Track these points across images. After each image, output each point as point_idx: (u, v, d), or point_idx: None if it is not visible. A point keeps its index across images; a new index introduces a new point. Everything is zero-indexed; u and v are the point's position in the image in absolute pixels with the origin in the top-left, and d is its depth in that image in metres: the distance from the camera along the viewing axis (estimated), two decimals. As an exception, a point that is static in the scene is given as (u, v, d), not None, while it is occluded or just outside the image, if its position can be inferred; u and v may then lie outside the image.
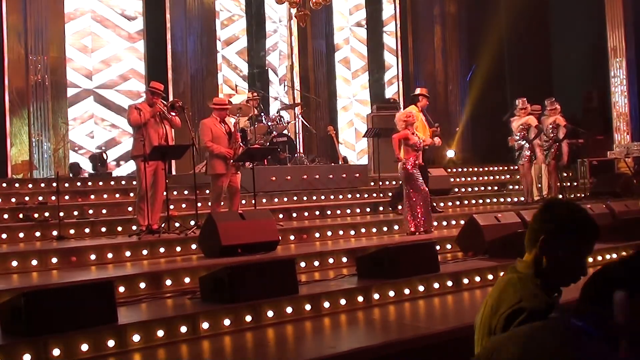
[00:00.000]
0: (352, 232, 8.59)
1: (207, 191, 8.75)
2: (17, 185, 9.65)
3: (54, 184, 8.62)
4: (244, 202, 9.59)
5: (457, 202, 11.13)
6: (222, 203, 8.38)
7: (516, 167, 13.07)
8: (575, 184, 13.35)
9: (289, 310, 5.45)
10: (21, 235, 7.66)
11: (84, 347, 4.45)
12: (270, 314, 5.34)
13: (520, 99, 11.37)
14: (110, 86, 12.58)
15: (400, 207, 9.25)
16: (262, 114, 11.82)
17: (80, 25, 12.35)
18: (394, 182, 11.20)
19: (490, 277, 6.72)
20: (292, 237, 8.12)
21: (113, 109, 12.51)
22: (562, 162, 11.68)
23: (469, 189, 12.17)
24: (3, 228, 7.68)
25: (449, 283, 6.44)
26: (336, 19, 15.56)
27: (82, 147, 12.19)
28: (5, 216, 8.21)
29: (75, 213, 8.58)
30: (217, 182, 8.23)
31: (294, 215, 9.37)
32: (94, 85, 12.42)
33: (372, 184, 11.58)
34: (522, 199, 11.41)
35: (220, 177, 8.23)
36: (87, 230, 7.99)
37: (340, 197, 10.65)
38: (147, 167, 7.78)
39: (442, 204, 10.61)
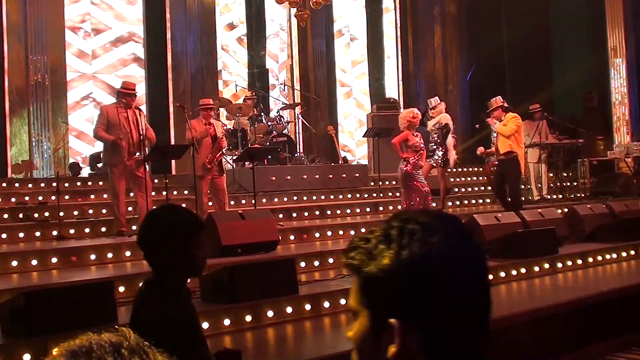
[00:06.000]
0: (352, 232, 8.57)
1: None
2: (17, 185, 9.65)
3: (54, 184, 8.62)
4: (243, 202, 9.61)
5: (457, 202, 11.13)
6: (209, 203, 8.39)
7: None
8: (575, 184, 13.36)
9: (289, 310, 5.45)
10: (21, 235, 7.66)
11: (84, 347, 4.45)
12: (270, 314, 5.34)
13: (433, 97, 10.97)
14: (111, 70, 12.61)
15: None
16: (262, 113, 11.83)
17: (79, 9, 12.36)
18: (394, 182, 11.20)
19: (490, 277, 6.69)
20: (292, 237, 8.12)
21: (113, 94, 12.51)
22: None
23: (469, 189, 12.17)
24: (3, 228, 7.67)
25: (449, 283, 6.43)
26: (335, 12, 15.53)
27: (82, 132, 12.22)
28: (5, 216, 8.20)
29: (75, 213, 8.57)
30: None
31: (294, 215, 9.37)
32: (93, 70, 12.45)
33: (372, 184, 11.58)
34: (522, 198, 11.40)
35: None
36: (87, 230, 7.99)
37: (340, 197, 10.64)
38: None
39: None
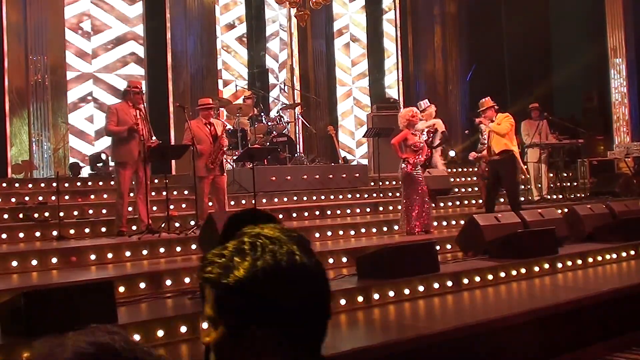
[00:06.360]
0: (352, 232, 8.58)
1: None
2: (17, 185, 9.65)
3: (54, 184, 8.62)
4: (243, 202, 9.61)
5: (457, 202, 11.13)
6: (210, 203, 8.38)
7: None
8: (575, 184, 13.36)
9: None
10: (21, 235, 7.65)
11: (84, 347, 4.44)
12: (270, 314, 5.33)
13: (422, 100, 10.90)
14: (111, 70, 12.65)
15: None
16: (262, 114, 11.83)
17: (79, 8, 12.38)
18: (394, 182, 11.20)
19: (490, 277, 6.72)
20: (292, 237, 8.10)
21: (113, 93, 12.56)
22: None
23: (469, 189, 12.17)
24: (3, 228, 7.67)
25: (449, 283, 6.44)
26: (335, 12, 15.56)
27: (82, 131, 12.26)
28: (5, 216, 8.20)
29: (75, 213, 8.57)
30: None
31: (294, 215, 9.37)
32: (93, 69, 12.48)
33: (372, 184, 11.58)
34: (522, 198, 11.37)
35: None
36: (87, 230, 7.99)
37: (340, 197, 10.64)
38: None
39: (442, 204, 10.61)
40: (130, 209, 8.39)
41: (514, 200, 9.29)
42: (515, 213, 8.25)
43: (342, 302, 5.71)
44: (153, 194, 8.47)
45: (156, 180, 9.42)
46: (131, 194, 8.20)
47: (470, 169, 13.64)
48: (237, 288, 1.12)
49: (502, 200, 10.74)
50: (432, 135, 10.05)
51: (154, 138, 8.08)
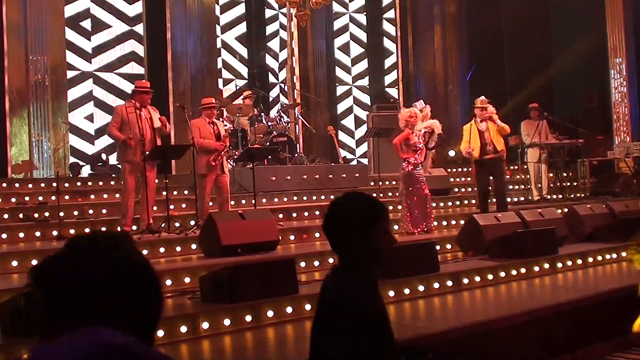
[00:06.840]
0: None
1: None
2: (17, 185, 9.65)
3: (54, 184, 8.62)
4: (243, 202, 9.61)
5: (457, 202, 11.13)
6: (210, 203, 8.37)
7: (516, 167, 13.08)
8: (575, 184, 13.36)
9: (289, 310, 5.45)
10: (21, 235, 7.66)
11: (84, 347, 4.44)
12: (270, 314, 5.34)
13: (418, 100, 10.87)
14: (111, 69, 12.67)
15: None
16: (262, 113, 11.82)
17: (79, 7, 12.39)
18: (394, 182, 11.20)
19: (490, 277, 6.72)
20: (292, 237, 8.11)
21: (113, 92, 12.56)
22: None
23: (469, 189, 12.16)
24: (3, 228, 7.68)
25: (449, 283, 6.44)
26: (335, 9, 15.57)
27: (82, 130, 12.28)
28: (5, 216, 8.21)
29: (75, 213, 8.58)
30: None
31: (294, 215, 9.37)
32: (93, 68, 12.48)
33: (372, 184, 11.58)
34: (522, 198, 11.37)
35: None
36: (87, 230, 7.98)
37: (340, 197, 10.61)
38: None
39: (442, 204, 10.61)
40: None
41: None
42: (516, 213, 8.25)
43: (342, 302, 5.70)
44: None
45: (156, 180, 9.42)
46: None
47: (471, 169, 13.65)
48: (61, 287, 1.38)
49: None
50: (428, 137, 10.02)
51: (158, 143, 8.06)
